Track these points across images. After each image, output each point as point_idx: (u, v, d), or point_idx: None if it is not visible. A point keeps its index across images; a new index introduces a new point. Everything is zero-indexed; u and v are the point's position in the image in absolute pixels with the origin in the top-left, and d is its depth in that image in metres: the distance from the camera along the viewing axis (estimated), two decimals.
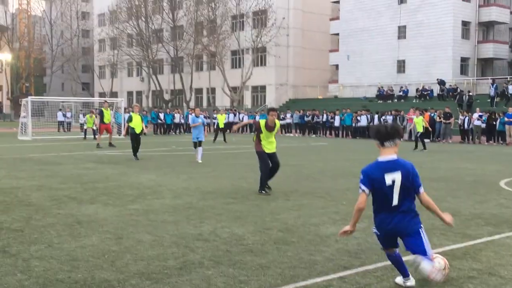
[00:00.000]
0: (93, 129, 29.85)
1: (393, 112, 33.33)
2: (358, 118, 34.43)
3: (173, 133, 38.59)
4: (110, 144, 23.69)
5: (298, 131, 39.20)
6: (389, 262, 5.67)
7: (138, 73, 72.25)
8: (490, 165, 16.52)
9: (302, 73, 57.12)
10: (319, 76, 57.50)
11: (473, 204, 9.48)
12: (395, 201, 4.64)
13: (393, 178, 4.61)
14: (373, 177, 4.65)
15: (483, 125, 29.52)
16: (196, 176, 13.11)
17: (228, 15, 56.00)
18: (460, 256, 6.04)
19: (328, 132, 37.33)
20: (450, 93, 41.08)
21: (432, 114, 30.27)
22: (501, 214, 8.58)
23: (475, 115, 29.71)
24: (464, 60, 46.54)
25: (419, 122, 23.01)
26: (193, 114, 17.81)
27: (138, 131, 17.39)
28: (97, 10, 78.05)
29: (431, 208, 4.76)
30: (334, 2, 54.89)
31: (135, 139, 17.40)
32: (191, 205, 9.11)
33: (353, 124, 34.77)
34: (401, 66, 48.23)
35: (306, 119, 38.32)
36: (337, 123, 36.09)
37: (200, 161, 16.50)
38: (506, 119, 28.12)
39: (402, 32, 47.84)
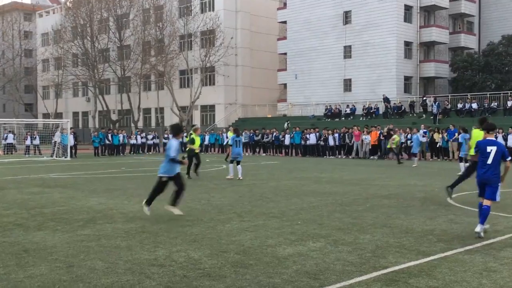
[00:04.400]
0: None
1: (343, 130, 33.75)
2: (307, 136, 34.80)
3: (121, 154, 37.96)
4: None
5: (248, 149, 39.22)
6: (348, 282, 5.70)
7: (84, 94, 70.82)
8: (437, 181, 16.94)
9: (251, 92, 57.41)
10: (268, 95, 57.94)
11: (425, 220, 9.67)
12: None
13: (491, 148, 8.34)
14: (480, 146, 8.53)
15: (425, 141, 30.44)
16: None
17: (176, 35, 55.79)
18: (416, 274, 6.11)
19: (278, 151, 37.53)
20: (395, 111, 42.28)
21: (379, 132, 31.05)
22: (451, 230, 8.78)
23: (420, 132, 30.53)
24: (407, 79, 47.97)
25: (396, 140, 27.53)
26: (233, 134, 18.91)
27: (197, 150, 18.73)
28: (41, 30, 76.27)
29: None
30: (282, 22, 55.61)
31: (195, 156, 18.37)
32: (145, 228, 8.90)
33: (303, 142, 35.12)
34: (347, 85, 49.18)
35: (255, 138, 38.43)
36: (287, 141, 36.39)
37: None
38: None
39: (347, 51, 48.90)
